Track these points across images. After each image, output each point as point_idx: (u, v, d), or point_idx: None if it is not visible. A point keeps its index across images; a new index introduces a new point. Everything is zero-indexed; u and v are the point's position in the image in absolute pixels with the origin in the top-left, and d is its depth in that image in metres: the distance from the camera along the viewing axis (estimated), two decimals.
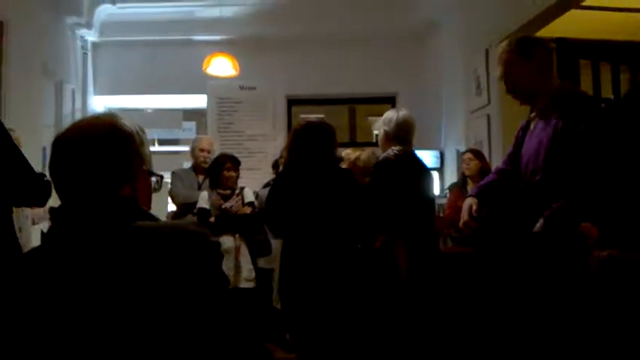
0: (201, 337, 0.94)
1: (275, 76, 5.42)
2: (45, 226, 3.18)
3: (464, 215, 2.13)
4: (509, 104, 2.13)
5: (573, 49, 4.17)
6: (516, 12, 3.63)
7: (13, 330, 0.92)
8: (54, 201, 1.10)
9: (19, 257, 1.33)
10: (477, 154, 3.87)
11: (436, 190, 4.43)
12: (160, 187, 1.45)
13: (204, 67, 4.88)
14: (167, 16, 5.53)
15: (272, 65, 5.48)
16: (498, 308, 2.36)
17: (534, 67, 1.98)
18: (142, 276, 0.92)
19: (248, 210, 3.67)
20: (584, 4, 3.45)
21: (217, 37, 5.44)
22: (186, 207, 3.84)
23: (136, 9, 5.50)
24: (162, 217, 4.53)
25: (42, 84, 4.49)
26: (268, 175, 4.27)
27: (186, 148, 4.75)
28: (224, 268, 1.08)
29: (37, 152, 3.93)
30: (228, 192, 3.72)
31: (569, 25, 3.83)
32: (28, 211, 3.14)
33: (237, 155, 3.90)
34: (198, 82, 5.22)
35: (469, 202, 2.15)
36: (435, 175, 4.74)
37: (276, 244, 3.49)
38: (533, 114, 2.07)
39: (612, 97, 4.31)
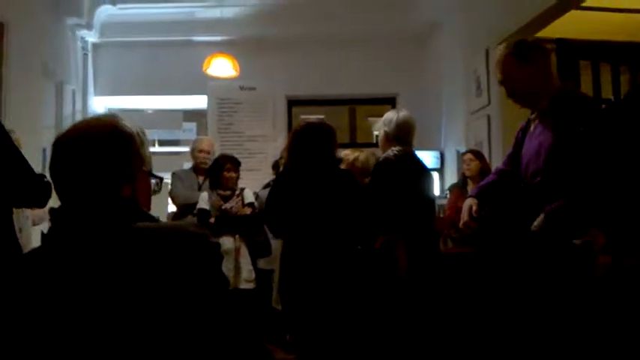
0: (201, 338, 0.94)
1: (275, 77, 5.42)
2: (45, 226, 3.18)
3: (464, 216, 2.13)
4: (509, 105, 2.13)
5: (573, 49, 4.17)
6: (516, 13, 3.63)
7: (13, 330, 0.92)
8: (54, 202, 1.10)
9: (19, 258, 1.33)
10: (477, 154, 3.87)
11: (436, 190, 4.43)
12: (160, 189, 1.45)
13: (204, 68, 4.88)
14: (167, 16, 5.54)
15: (272, 66, 5.48)
16: (498, 309, 2.36)
17: (533, 70, 1.98)
18: (142, 277, 0.92)
19: (248, 211, 3.67)
20: (584, 4, 3.45)
21: (218, 38, 5.44)
22: (186, 208, 3.85)
23: (137, 10, 5.51)
24: (163, 218, 4.53)
25: (42, 85, 4.49)
26: (268, 175, 4.27)
27: (186, 149, 4.75)
28: (224, 269, 1.08)
29: (37, 153, 3.93)
30: (228, 193, 3.72)
31: (569, 25, 3.83)
32: (29, 212, 3.14)
33: (237, 156, 3.90)
34: (199, 83, 5.22)
35: (469, 203, 2.15)
36: (435, 175, 4.74)
37: (276, 244, 3.49)
38: (534, 115, 2.07)
39: (612, 97, 4.31)
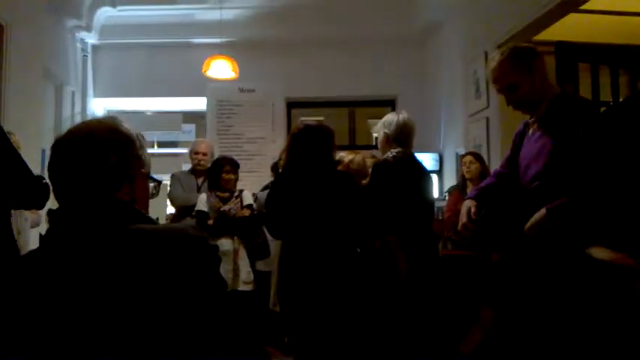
0: (199, 340, 0.94)
1: (275, 79, 5.42)
2: (43, 229, 3.18)
3: (462, 218, 2.13)
4: (508, 108, 2.13)
5: (572, 52, 4.19)
6: (516, 16, 3.64)
7: (10, 332, 0.92)
8: (52, 203, 1.10)
9: (17, 260, 1.33)
10: (477, 156, 3.87)
11: (435, 192, 4.44)
12: (158, 192, 1.45)
13: (203, 70, 4.89)
14: (167, 18, 5.55)
15: (272, 68, 5.49)
16: (498, 309, 2.36)
17: (530, 77, 1.97)
18: (140, 279, 0.92)
19: (247, 213, 3.67)
20: (583, 7, 3.46)
21: (217, 40, 5.45)
22: (185, 210, 3.85)
23: (136, 12, 5.52)
24: (162, 220, 4.53)
25: (42, 86, 4.49)
26: (267, 177, 4.27)
27: (185, 151, 4.75)
28: (222, 270, 1.08)
29: (36, 154, 3.94)
30: (226, 195, 3.72)
31: (568, 28, 3.85)
32: (27, 214, 3.14)
33: (236, 158, 3.90)
34: (198, 85, 5.23)
35: (468, 205, 2.14)
36: (434, 177, 4.75)
37: (274, 246, 3.49)
38: (532, 119, 2.07)
39: (611, 100, 4.33)
